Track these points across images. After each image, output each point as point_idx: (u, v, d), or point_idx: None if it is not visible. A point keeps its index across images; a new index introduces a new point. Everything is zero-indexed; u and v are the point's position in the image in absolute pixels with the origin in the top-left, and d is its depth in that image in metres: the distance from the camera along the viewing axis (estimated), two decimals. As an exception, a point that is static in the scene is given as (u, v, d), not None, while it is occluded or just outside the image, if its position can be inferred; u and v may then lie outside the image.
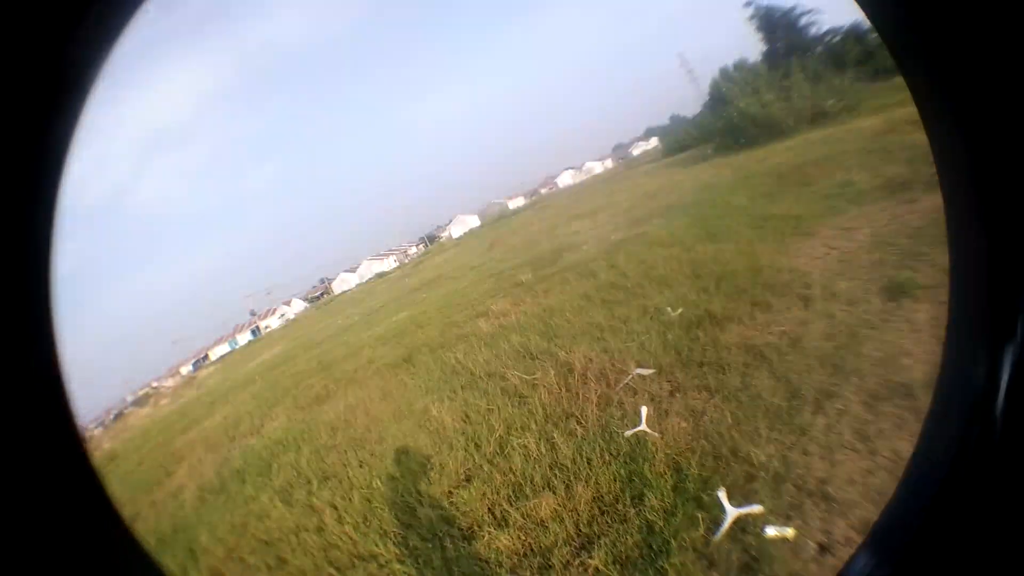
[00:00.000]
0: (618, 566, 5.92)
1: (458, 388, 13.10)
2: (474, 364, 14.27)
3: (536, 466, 8.35)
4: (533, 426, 9.52)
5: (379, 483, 10.07)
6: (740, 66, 57.13)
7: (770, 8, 61.43)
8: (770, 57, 57.05)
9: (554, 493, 7.52)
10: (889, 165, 16.47)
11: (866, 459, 5.95)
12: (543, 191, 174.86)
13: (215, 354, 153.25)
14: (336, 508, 9.88)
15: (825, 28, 56.22)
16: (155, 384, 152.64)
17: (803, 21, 58.33)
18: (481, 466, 9.04)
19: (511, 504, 7.72)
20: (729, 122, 48.16)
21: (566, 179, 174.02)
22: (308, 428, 16.08)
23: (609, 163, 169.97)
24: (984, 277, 1.22)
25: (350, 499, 9.98)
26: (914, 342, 7.75)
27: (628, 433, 8.15)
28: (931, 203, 11.96)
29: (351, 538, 8.71)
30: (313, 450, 13.70)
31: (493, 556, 6.92)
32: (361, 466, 11.20)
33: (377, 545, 8.18)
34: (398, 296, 49.41)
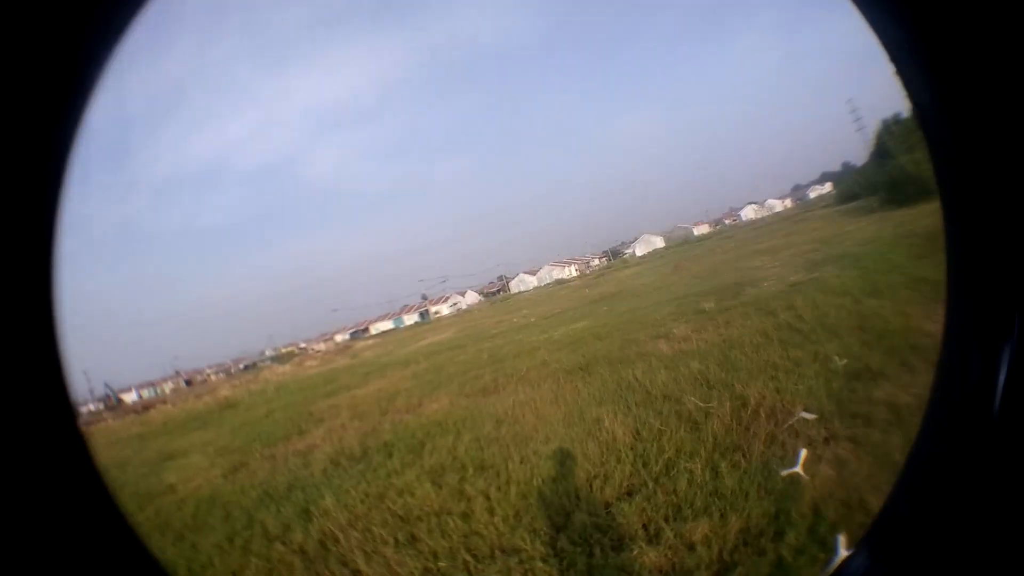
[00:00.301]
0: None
1: (632, 404, 12.97)
2: (651, 383, 14.15)
3: (699, 491, 8.31)
4: (702, 453, 9.47)
5: (539, 482, 9.99)
6: (896, 120, 56.75)
7: None
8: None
9: (709, 519, 7.52)
10: None
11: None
12: (727, 222, 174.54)
13: (376, 329, 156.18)
14: (488, 498, 9.81)
15: None
16: (303, 345, 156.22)
17: None
18: (646, 483, 9.01)
19: (667, 523, 7.73)
20: (890, 177, 47.75)
21: (748, 213, 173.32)
22: (472, 416, 16.01)
23: (788, 203, 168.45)
24: (981, 278, 1.25)
25: (505, 492, 9.89)
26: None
27: (784, 472, 8.20)
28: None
29: (497, 529, 8.68)
30: (474, 439, 13.60)
31: (636, 570, 6.99)
32: (522, 462, 11.09)
33: (524, 541, 8.16)
34: (577, 305, 49.48)
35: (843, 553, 5.92)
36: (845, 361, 11.93)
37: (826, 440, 9.01)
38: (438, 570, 8.14)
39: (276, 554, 9.87)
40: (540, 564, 7.55)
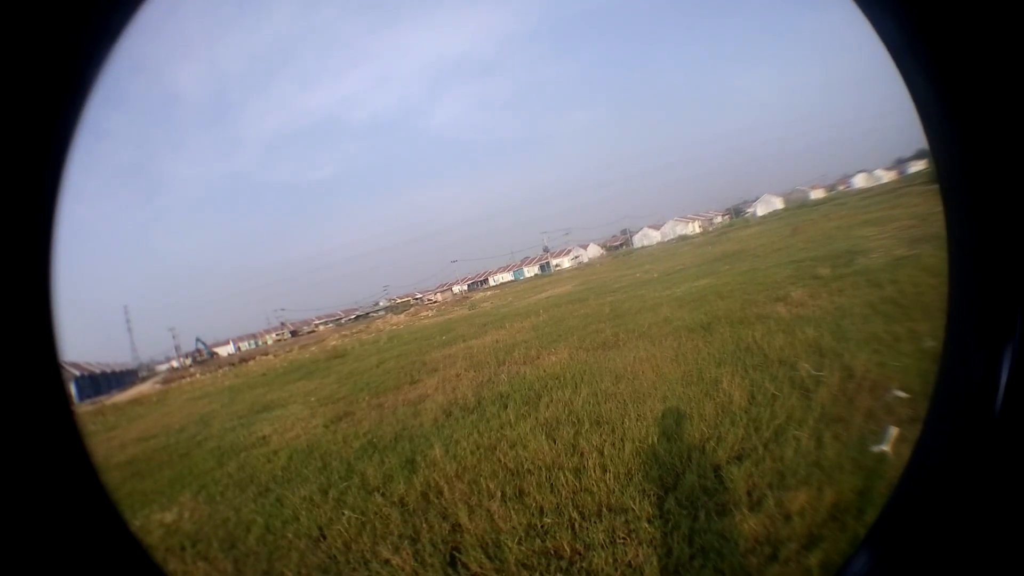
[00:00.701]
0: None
1: (750, 367, 13.05)
2: (769, 347, 14.28)
3: (802, 461, 8.39)
4: (810, 421, 9.51)
5: (653, 440, 10.07)
6: None
7: None
8: None
9: (808, 490, 7.59)
10: None
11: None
12: (840, 188, 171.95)
13: (495, 280, 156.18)
14: (602, 454, 9.89)
15: None
16: (419, 295, 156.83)
17: None
18: (756, 448, 9.09)
19: (771, 491, 7.82)
20: None
21: (859, 181, 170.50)
22: (590, 371, 16.11)
23: (893, 174, 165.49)
24: (982, 277, 1.29)
25: (619, 449, 9.97)
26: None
27: (875, 449, 8.24)
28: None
29: (607, 487, 8.76)
30: (592, 393, 13.68)
31: (735, 536, 7.06)
32: (639, 420, 11.14)
33: (632, 500, 8.23)
34: (700, 262, 49.44)
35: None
36: (933, 343, 11.49)
37: (911, 420, 8.87)
38: (542, 526, 8.16)
39: (372, 507, 9.91)
40: (645, 525, 7.61)
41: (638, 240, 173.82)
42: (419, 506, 9.58)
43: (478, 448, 11.45)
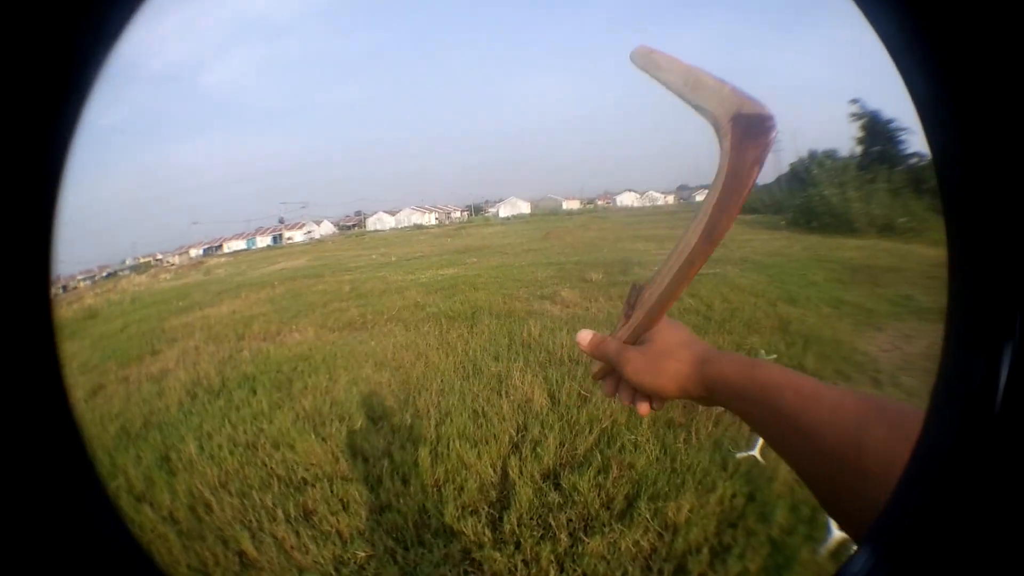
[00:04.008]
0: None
1: (537, 364, 12.01)
2: (553, 345, 13.21)
3: (656, 466, 7.63)
4: (641, 426, 8.55)
5: (456, 443, 8.66)
6: (831, 156, 58.61)
7: (876, 114, 62.32)
8: (863, 158, 58.42)
9: (683, 498, 6.92)
10: (943, 296, 16.63)
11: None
12: (600, 203, 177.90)
13: (229, 247, 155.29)
14: (393, 460, 8.53)
15: (912, 149, 56.62)
16: (160, 256, 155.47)
17: (900, 136, 58.99)
18: (592, 454, 8.04)
19: (638, 501, 6.92)
20: (808, 203, 49.57)
21: (625, 199, 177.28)
22: (343, 354, 14.77)
23: (671, 199, 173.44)
24: (982, 274, 1.06)
25: (413, 454, 8.64)
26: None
27: (740, 455, 7.72)
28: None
29: (418, 505, 7.48)
30: (353, 381, 12.31)
31: (617, 555, 6.19)
32: (423, 417, 9.88)
33: (462, 522, 6.98)
34: (440, 252, 48.51)
35: (836, 534, 5.96)
36: (775, 356, 11.55)
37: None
38: (355, 559, 6.70)
39: (147, 521, 8.09)
40: (495, 554, 6.39)
41: (372, 223, 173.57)
42: (193, 527, 7.82)
43: (236, 446, 9.86)
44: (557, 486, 7.39)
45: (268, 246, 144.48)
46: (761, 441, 7.56)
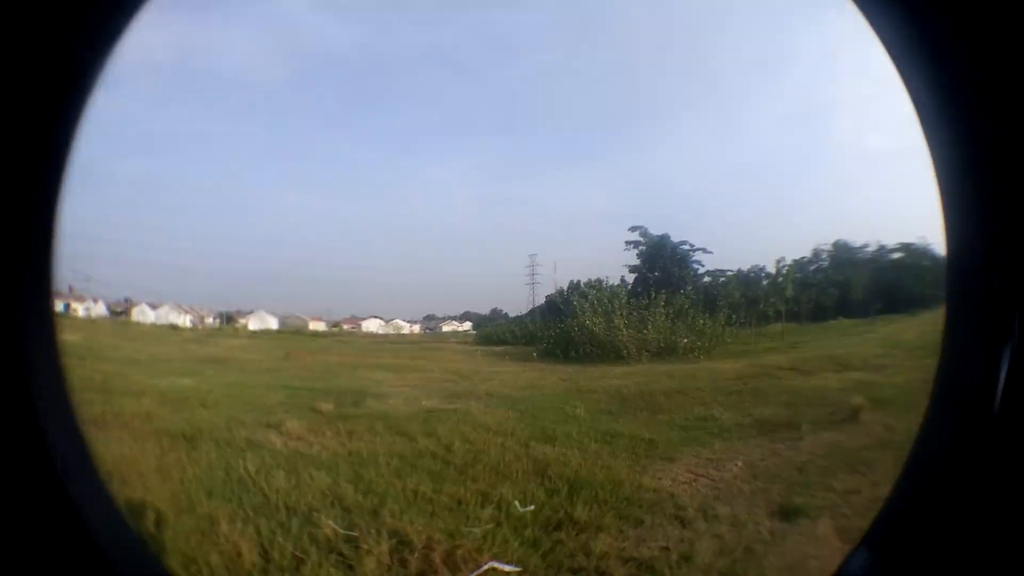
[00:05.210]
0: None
1: (250, 510, 10.69)
2: (269, 486, 11.96)
3: None
4: None
5: None
6: (595, 286, 57.15)
7: (661, 240, 62.38)
8: (639, 283, 57.99)
9: None
10: (762, 407, 16.97)
11: None
12: (345, 327, 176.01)
13: None
14: None
15: (712, 267, 57.61)
16: None
17: (691, 257, 59.74)
18: None
19: None
20: (565, 333, 49.04)
21: (371, 326, 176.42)
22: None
23: (416, 328, 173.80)
24: (981, 276, 1.42)
25: None
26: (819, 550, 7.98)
27: None
28: (819, 443, 13.29)
29: None
30: None
31: None
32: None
33: None
34: (184, 359, 45.47)
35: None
36: (531, 507, 10.72)
37: None
38: None
39: None
40: None
41: (136, 313, 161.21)
42: None
43: None
44: None
45: (59, 312, 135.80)
46: None
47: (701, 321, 41.84)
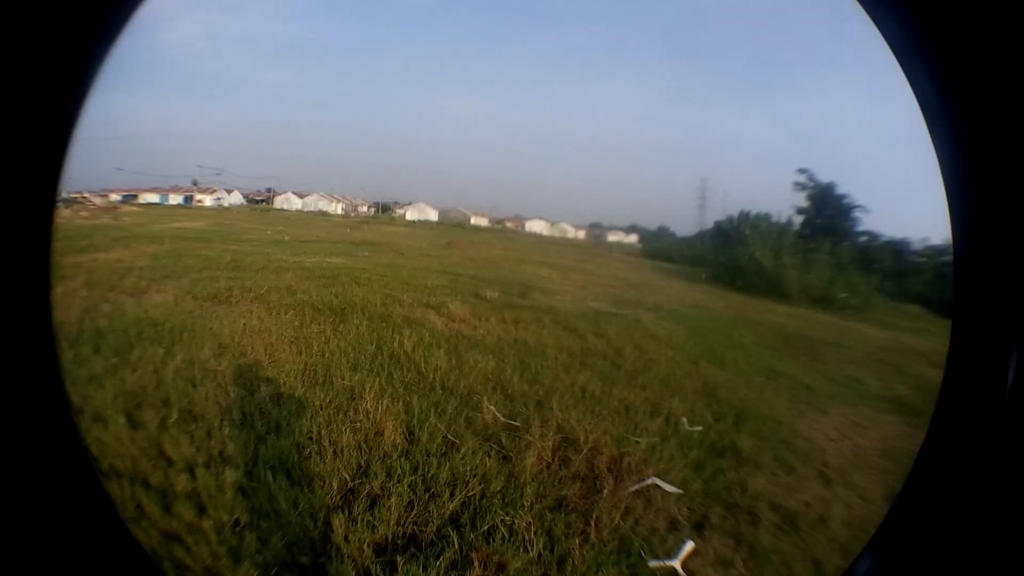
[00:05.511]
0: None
1: (401, 386, 10.11)
2: (426, 365, 11.36)
3: (535, 568, 5.90)
4: (524, 500, 6.83)
5: (269, 476, 6.84)
6: (764, 219, 57.32)
7: (828, 186, 60.74)
8: (804, 227, 56.55)
9: None
10: (900, 385, 15.75)
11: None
12: (509, 224, 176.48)
13: (144, 199, 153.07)
14: (194, 477, 6.75)
15: (864, 228, 55.76)
16: (86, 195, 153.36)
17: (852, 212, 57.88)
18: (446, 532, 6.21)
19: None
20: (735, 260, 48.12)
21: (535, 226, 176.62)
22: (192, 327, 13.11)
23: (582, 234, 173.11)
24: (988, 281, 1.30)
25: (219, 476, 6.82)
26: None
27: (655, 564, 6.19)
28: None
29: (213, 551, 5.76)
30: (187, 361, 10.58)
31: None
32: (244, 426, 8.08)
33: None
34: (337, 241, 46.27)
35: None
36: (699, 428, 10.11)
37: (698, 527, 7.07)
38: None
39: None
40: None
41: (280, 202, 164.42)
42: None
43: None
44: (391, 573, 5.61)
45: (179, 204, 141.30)
46: (685, 550, 6.38)
47: (856, 278, 40.31)
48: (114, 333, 12.16)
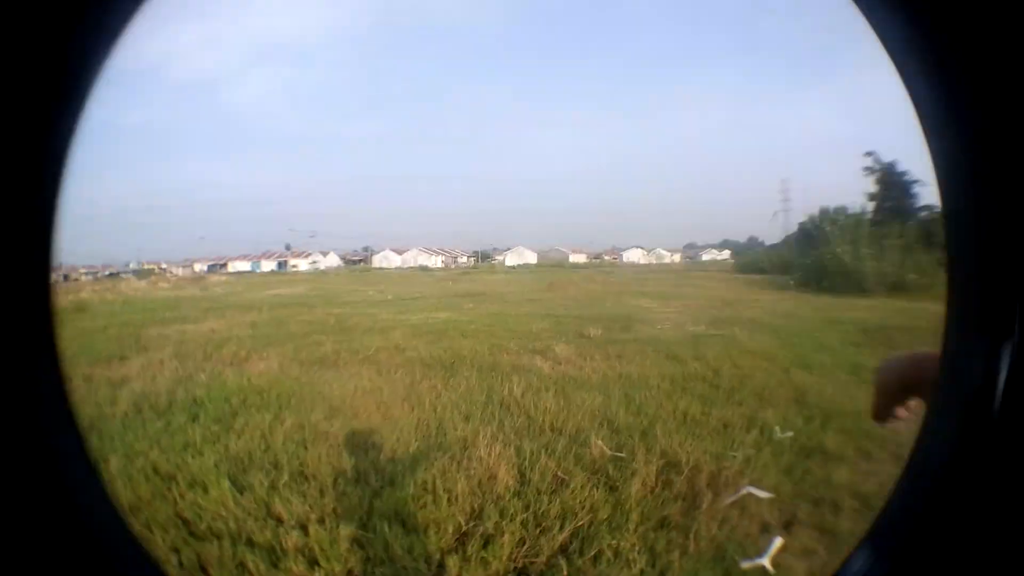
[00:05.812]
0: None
1: (511, 431, 10.36)
2: (535, 408, 11.64)
3: None
4: (628, 524, 6.97)
5: (384, 524, 6.94)
6: (842, 212, 57.80)
7: (891, 166, 61.04)
8: (876, 213, 57.13)
9: None
10: None
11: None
12: (606, 257, 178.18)
13: (234, 267, 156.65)
14: (306, 532, 6.88)
15: (923, 202, 56.04)
16: (164, 265, 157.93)
17: (912, 188, 58.23)
18: (553, 559, 6.40)
19: None
20: (820, 262, 48.63)
21: (632, 255, 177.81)
22: (300, 393, 13.26)
23: (677, 257, 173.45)
24: (982, 274, 1.18)
25: (332, 531, 6.89)
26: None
27: (747, 564, 6.44)
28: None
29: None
30: (297, 425, 10.74)
31: None
32: (359, 482, 8.23)
33: None
34: (440, 295, 47.42)
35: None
36: (790, 434, 10.39)
37: (787, 526, 7.27)
38: None
39: None
40: None
41: (378, 260, 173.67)
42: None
43: (155, 474, 8.50)
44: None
45: (272, 271, 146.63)
46: (774, 547, 6.58)
47: (923, 257, 40.62)
48: (214, 402, 12.42)
